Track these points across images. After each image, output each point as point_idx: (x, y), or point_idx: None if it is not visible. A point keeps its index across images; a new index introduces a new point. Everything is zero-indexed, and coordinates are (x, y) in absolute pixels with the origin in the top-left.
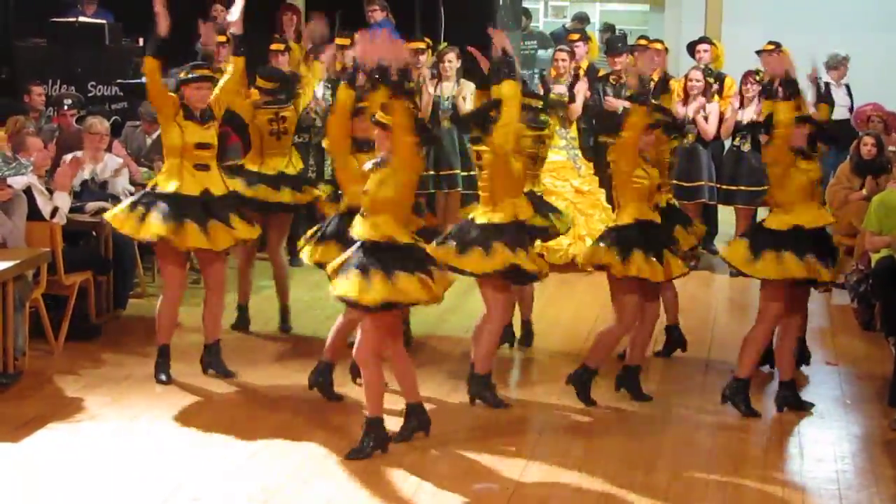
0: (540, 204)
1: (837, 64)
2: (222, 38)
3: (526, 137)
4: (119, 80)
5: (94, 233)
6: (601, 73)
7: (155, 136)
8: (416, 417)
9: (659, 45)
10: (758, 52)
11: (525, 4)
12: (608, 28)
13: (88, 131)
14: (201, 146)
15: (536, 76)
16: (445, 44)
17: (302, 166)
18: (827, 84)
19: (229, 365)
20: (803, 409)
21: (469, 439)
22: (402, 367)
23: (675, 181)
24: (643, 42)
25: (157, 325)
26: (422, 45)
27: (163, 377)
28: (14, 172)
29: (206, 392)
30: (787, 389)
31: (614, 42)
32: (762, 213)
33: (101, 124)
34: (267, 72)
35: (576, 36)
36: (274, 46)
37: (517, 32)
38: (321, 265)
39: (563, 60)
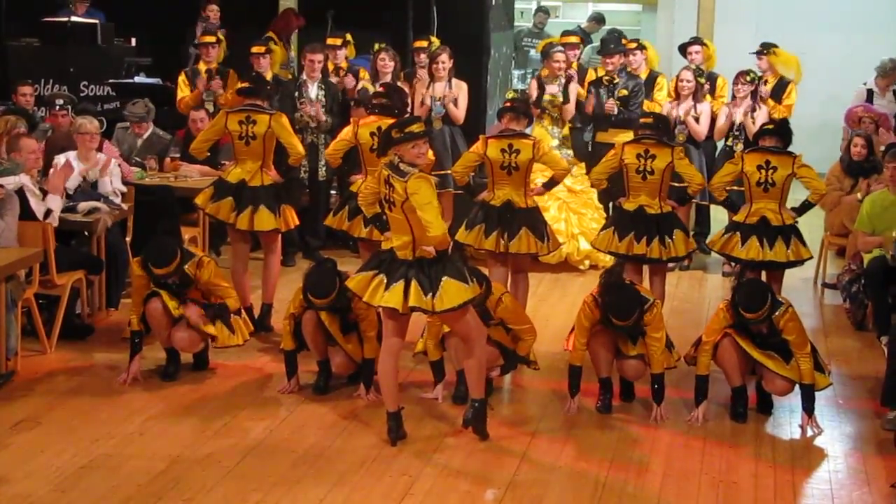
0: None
1: (886, 72)
2: (211, 39)
3: None
4: (111, 80)
5: (86, 232)
6: (592, 76)
7: (146, 136)
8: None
9: (642, 47)
10: (754, 53)
11: (517, 4)
12: (596, 18)
13: (78, 131)
14: None
15: (530, 75)
16: (438, 42)
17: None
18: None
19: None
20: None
21: (462, 439)
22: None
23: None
24: (626, 42)
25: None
26: (424, 45)
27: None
28: (6, 172)
29: (199, 391)
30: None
31: (608, 42)
32: None
33: (90, 124)
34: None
35: (575, 38)
36: (255, 49)
37: (509, 32)
38: None
39: (563, 62)
